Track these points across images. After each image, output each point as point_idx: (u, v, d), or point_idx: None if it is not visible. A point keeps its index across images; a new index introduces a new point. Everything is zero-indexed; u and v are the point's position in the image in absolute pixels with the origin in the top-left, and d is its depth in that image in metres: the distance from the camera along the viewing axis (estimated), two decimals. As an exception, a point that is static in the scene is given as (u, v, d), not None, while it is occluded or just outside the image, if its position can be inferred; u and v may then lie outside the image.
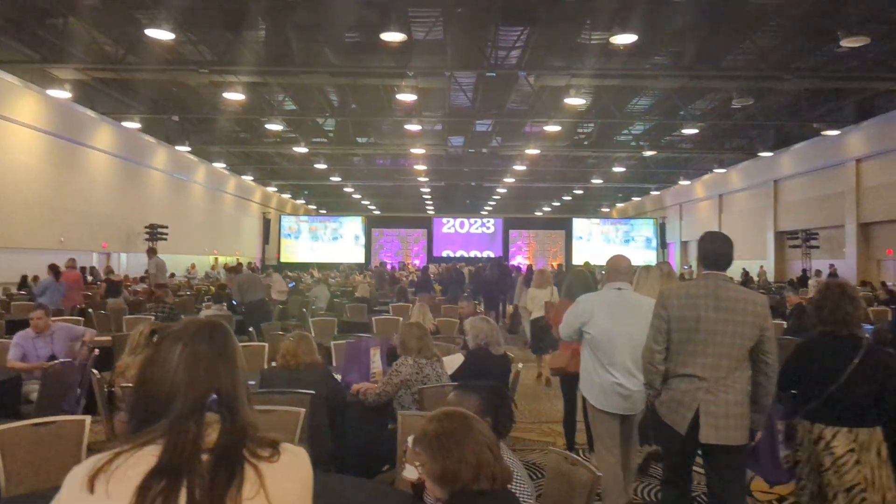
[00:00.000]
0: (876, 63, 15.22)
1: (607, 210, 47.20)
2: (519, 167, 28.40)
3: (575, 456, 2.78)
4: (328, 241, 39.74)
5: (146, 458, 1.29)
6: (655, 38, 14.01)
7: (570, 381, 5.37)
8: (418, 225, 42.22)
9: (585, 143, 25.39)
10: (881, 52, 14.79)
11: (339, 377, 4.94)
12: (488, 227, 42.18)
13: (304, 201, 46.07)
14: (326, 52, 15.38)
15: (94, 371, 5.21)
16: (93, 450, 1.38)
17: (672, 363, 3.37)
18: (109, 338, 7.38)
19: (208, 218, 30.77)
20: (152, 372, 1.40)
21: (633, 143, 25.65)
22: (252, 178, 34.00)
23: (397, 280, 19.67)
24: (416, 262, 37.76)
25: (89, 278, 17.97)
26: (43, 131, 17.89)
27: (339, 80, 17.19)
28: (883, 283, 17.99)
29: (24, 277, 15.91)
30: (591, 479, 2.54)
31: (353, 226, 40.38)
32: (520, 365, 5.44)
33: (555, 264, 29.81)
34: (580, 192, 38.42)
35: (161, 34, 11.93)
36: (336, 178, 33.02)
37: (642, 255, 35.86)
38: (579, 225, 40.06)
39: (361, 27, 14.23)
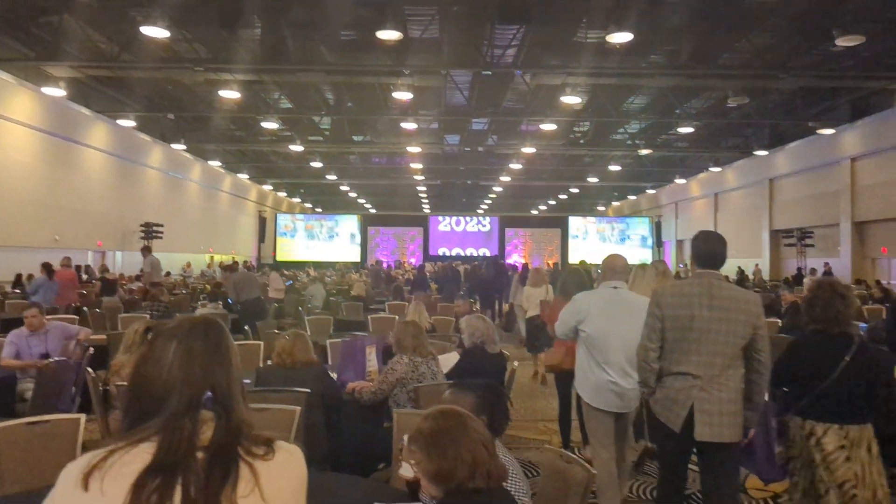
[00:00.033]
0: (871, 62, 15.25)
1: (603, 208, 47.25)
2: (515, 166, 28.40)
3: (570, 454, 2.79)
4: (324, 240, 39.71)
5: (141, 455, 1.29)
6: (651, 36, 14.01)
7: (564, 379, 5.39)
8: (414, 223, 42.21)
9: (581, 141, 25.40)
10: (876, 51, 14.82)
11: (334, 375, 4.94)
12: (484, 226, 42.20)
13: (299, 200, 46.01)
14: (322, 50, 15.36)
15: (89, 370, 5.21)
16: (88, 448, 1.37)
17: (666, 361, 3.39)
18: (104, 336, 7.38)
19: (204, 216, 30.71)
20: (147, 369, 1.39)
21: (629, 142, 25.67)
22: (248, 176, 33.93)
23: (393, 279, 19.67)
24: (413, 260, 37.75)
25: (84, 277, 17.91)
26: (38, 129, 17.83)
27: (335, 79, 17.17)
28: (877, 282, 18.04)
29: (19, 276, 15.86)
30: (586, 477, 2.55)
31: (349, 224, 40.36)
32: (515, 363, 5.44)
33: (550, 263, 29.88)
34: (576, 190, 38.45)
35: (156, 32, 11.89)
36: (332, 177, 32.98)
37: (638, 253, 35.93)
38: (575, 223, 40.11)
39: (357, 25, 14.20)
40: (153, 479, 1.26)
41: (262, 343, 6.51)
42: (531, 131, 23.73)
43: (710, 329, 3.29)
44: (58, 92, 15.61)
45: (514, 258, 37.37)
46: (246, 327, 8.68)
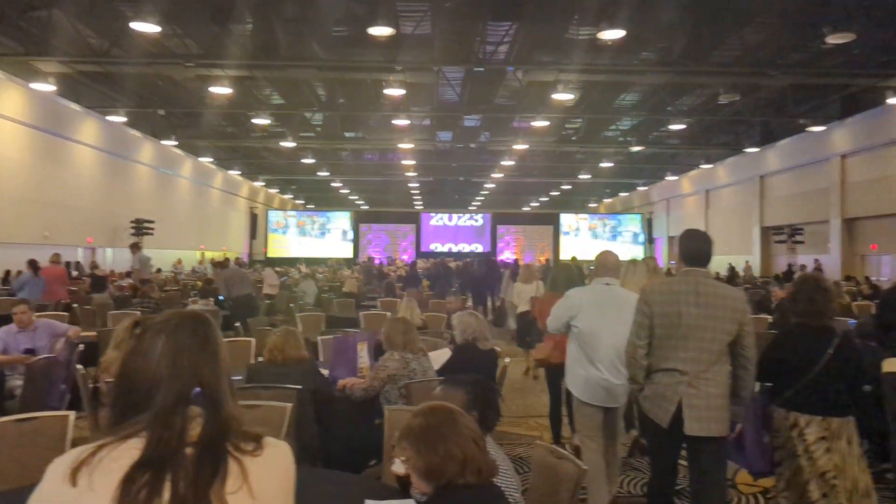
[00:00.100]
0: (861, 59, 15.34)
1: (595, 205, 47.34)
2: (507, 162, 28.42)
3: (561, 450, 2.79)
4: (316, 237, 39.65)
5: (129, 451, 1.28)
6: (643, 33, 14.03)
7: (555, 375, 5.43)
8: (406, 220, 42.18)
9: (573, 138, 25.43)
10: (866, 49, 14.89)
11: (326, 372, 4.93)
12: (476, 220, 42.26)
13: (291, 196, 45.90)
14: (314, 46, 15.31)
15: (79, 367, 5.18)
16: (77, 446, 1.37)
17: (654, 358, 3.44)
18: (94, 333, 7.33)
19: (195, 213, 30.59)
20: (134, 363, 1.39)
21: (621, 139, 25.74)
22: (239, 172, 33.83)
23: (385, 275, 19.65)
24: (405, 257, 37.74)
25: (74, 273, 17.82)
26: (27, 125, 17.70)
27: (327, 75, 17.11)
28: (867, 278, 18.17)
29: (7, 272, 15.76)
30: (577, 473, 2.56)
31: (341, 221, 40.30)
32: (507, 359, 5.45)
33: (542, 259, 29.92)
34: (568, 187, 38.51)
35: (146, 27, 11.80)
36: (324, 173, 32.90)
37: (630, 250, 36.02)
38: (567, 220, 40.19)
39: (349, 21, 14.17)
40: (142, 474, 1.26)
41: (253, 340, 6.48)
42: (523, 128, 23.74)
43: (697, 326, 3.33)
44: (47, 87, 15.49)
45: (507, 255, 37.41)
46: (237, 324, 8.65)
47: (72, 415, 3.37)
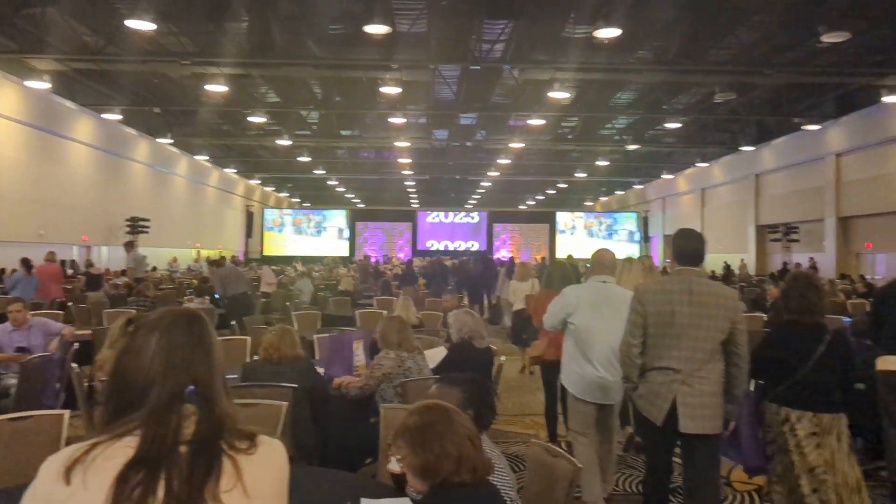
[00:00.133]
0: (856, 58, 15.37)
1: (591, 204, 47.38)
2: (503, 161, 28.42)
3: (556, 448, 2.80)
4: (312, 235, 39.61)
5: (124, 449, 1.28)
6: (639, 32, 14.04)
7: (549, 371, 5.45)
8: (403, 218, 42.19)
9: (569, 136, 25.44)
10: (861, 48, 14.93)
11: (321, 370, 4.93)
12: (473, 217, 42.29)
13: (287, 194, 45.83)
14: (310, 44, 15.27)
15: (74, 365, 5.16)
16: (72, 444, 1.36)
17: (648, 357, 3.47)
18: (89, 332, 7.32)
19: (191, 211, 30.53)
20: (128, 361, 1.38)
21: (617, 137, 25.75)
22: (235, 170, 33.75)
23: (381, 273, 19.65)
24: (401, 255, 37.74)
25: (69, 271, 17.77)
26: (22, 123, 17.63)
27: (323, 73, 17.08)
28: (861, 276, 18.22)
29: (2, 271, 15.71)
30: (572, 471, 2.56)
31: (337, 219, 40.27)
32: (503, 358, 5.46)
33: (538, 257, 29.95)
34: (564, 185, 38.53)
35: (141, 25, 11.76)
36: (320, 171, 32.86)
37: (626, 248, 36.09)
38: (563, 218, 40.23)
39: (345, 19, 14.15)
40: (136, 473, 1.25)
41: (248, 338, 6.48)
42: (519, 126, 23.73)
43: (690, 324, 3.36)
44: (42, 85, 15.43)
45: (503, 253, 37.45)
46: (233, 322, 8.64)
47: (66, 413, 3.37)
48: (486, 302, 16.80)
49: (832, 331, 3.67)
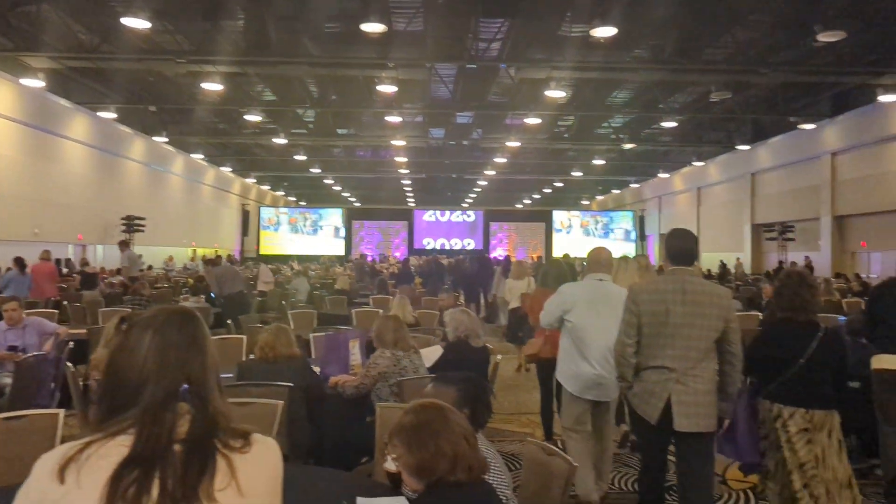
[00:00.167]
0: (851, 57, 15.41)
1: (587, 202, 47.43)
2: (499, 159, 28.42)
3: (552, 447, 2.80)
4: (308, 234, 39.57)
5: (118, 448, 1.28)
6: (635, 31, 14.05)
7: (545, 369, 5.46)
8: (399, 217, 42.17)
9: (565, 135, 25.45)
10: (856, 47, 14.96)
11: (318, 369, 4.92)
12: (469, 216, 42.33)
13: (283, 193, 45.77)
14: (306, 42, 15.25)
15: (69, 364, 5.15)
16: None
17: (643, 356, 3.50)
18: (84, 331, 7.30)
19: (186, 209, 30.46)
20: (122, 359, 1.38)
21: (613, 136, 25.77)
22: (231, 169, 33.69)
23: (378, 272, 19.64)
24: (397, 254, 37.74)
25: (64, 270, 17.73)
26: (16, 121, 17.57)
27: (319, 71, 17.06)
28: (857, 275, 18.28)
29: (-3, 270, 15.66)
30: (568, 470, 2.56)
31: (333, 218, 40.24)
32: (499, 356, 5.46)
33: (535, 256, 29.97)
34: (560, 184, 38.55)
35: (137, 23, 11.74)
36: (316, 170, 32.83)
37: (622, 247, 36.11)
38: (559, 217, 40.26)
39: (341, 17, 14.13)
40: (130, 471, 1.25)
41: (244, 337, 6.47)
42: (516, 125, 23.74)
43: (684, 324, 3.39)
44: (37, 83, 15.38)
45: (499, 252, 37.47)
46: (229, 321, 8.63)
47: (61, 413, 3.36)
48: (482, 300, 16.81)
49: (825, 328, 3.70)
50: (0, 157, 17.09)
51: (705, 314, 3.40)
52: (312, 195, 45.71)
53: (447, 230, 41.68)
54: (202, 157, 29.41)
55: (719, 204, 30.65)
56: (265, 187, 42.35)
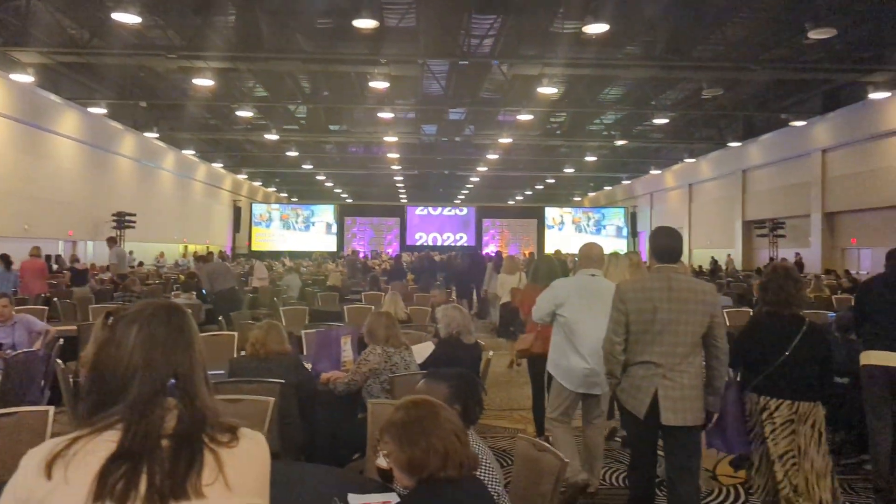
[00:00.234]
0: (842, 54, 15.48)
1: (579, 199, 47.51)
2: (492, 156, 28.43)
3: (543, 443, 2.81)
4: (300, 230, 39.49)
5: (105, 443, 1.27)
6: (627, 28, 14.08)
7: (536, 364, 5.48)
8: (391, 214, 42.14)
9: (558, 132, 25.49)
10: (847, 44, 15.04)
11: (309, 366, 4.91)
12: (462, 210, 42.37)
13: (275, 189, 45.65)
14: (298, 38, 15.21)
15: (59, 361, 5.13)
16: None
17: (631, 352, 3.55)
18: (74, 327, 7.26)
19: (178, 205, 30.35)
20: (108, 353, 1.37)
21: (605, 133, 25.82)
22: (222, 165, 33.57)
23: (370, 268, 19.62)
24: (389, 250, 37.72)
25: (55, 267, 17.63)
26: (6, 116, 17.44)
27: (311, 67, 17.03)
28: (847, 272, 18.37)
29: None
30: (559, 466, 2.57)
31: (325, 214, 40.15)
32: (490, 353, 5.47)
33: (527, 253, 30.01)
34: (552, 181, 38.61)
35: (128, 18, 11.66)
36: (308, 166, 32.76)
37: (614, 243, 36.19)
38: (551, 214, 40.32)
39: (333, 13, 14.09)
40: (118, 467, 1.25)
41: (235, 334, 6.45)
42: (508, 121, 23.75)
43: (671, 320, 3.45)
44: (26, 78, 15.29)
45: (491, 248, 37.51)
46: (220, 318, 8.60)
47: (51, 410, 3.34)
48: (474, 297, 16.82)
49: (809, 322, 3.77)
50: (-11, 152, 16.98)
51: (691, 310, 3.46)
52: (304, 191, 45.61)
53: (439, 224, 41.69)
54: (193, 153, 29.29)
55: (711, 200, 30.76)
56: (257, 183, 42.23)
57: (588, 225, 39.75)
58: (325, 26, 15.15)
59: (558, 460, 2.59)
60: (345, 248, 38.00)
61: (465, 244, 39.98)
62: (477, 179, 37.33)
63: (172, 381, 1.38)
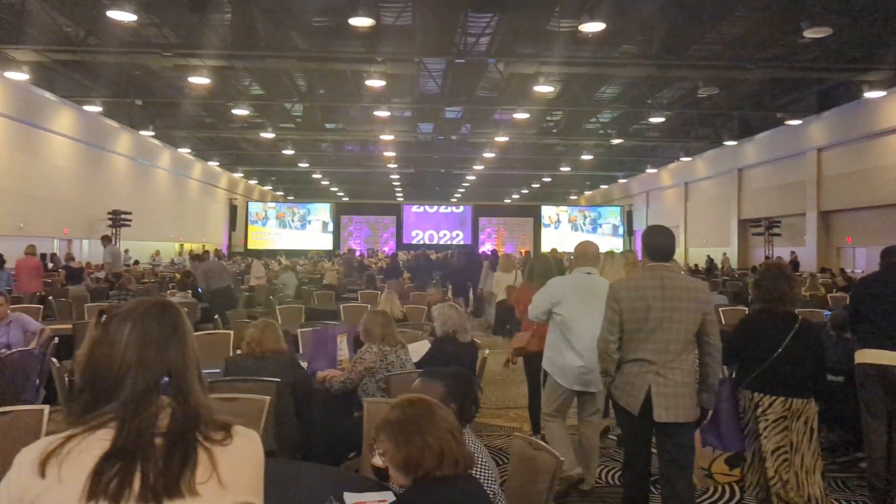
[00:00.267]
0: (837, 54, 15.52)
1: (575, 198, 47.54)
2: (488, 154, 28.43)
3: (539, 441, 2.81)
4: (296, 228, 39.45)
5: (99, 442, 1.27)
6: (624, 26, 14.10)
7: (532, 362, 5.49)
8: (388, 212, 42.13)
9: (554, 130, 25.50)
10: (842, 43, 15.07)
11: (305, 365, 4.91)
12: (458, 208, 42.40)
13: (271, 188, 45.58)
14: (294, 36, 15.18)
15: (54, 360, 5.12)
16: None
17: (625, 350, 3.59)
18: (70, 326, 7.25)
19: (173, 204, 30.28)
20: (101, 351, 1.37)
21: (601, 131, 25.84)
22: (218, 163, 33.50)
23: (366, 267, 19.61)
24: (386, 249, 37.72)
25: (50, 265, 17.58)
26: (0, 115, 17.38)
27: (307, 65, 16.99)
28: (842, 270, 18.42)
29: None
30: (554, 464, 2.57)
31: (321, 212, 40.12)
32: (486, 351, 5.47)
33: (523, 251, 30.03)
34: (549, 179, 38.63)
35: (123, 16, 11.63)
36: (304, 165, 32.72)
37: (610, 242, 36.29)
38: (547, 212, 40.35)
39: (329, 11, 14.08)
40: (112, 465, 1.24)
41: (231, 332, 6.44)
42: (504, 120, 23.76)
43: (664, 318, 3.48)
44: (21, 76, 15.23)
45: (487, 246, 37.54)
46: (216, 316, 8.59)
47: (47, 409, 3.34)
48: (471, 295, 16.82)
49: (802, 320, 3.80)
50: (-16, 150, 16.92)
51: (684, 308, 3.49)
52: (300, 190, 45.55)
53: (436, 222, 41.71)
54: (189, 151, 29.23)
55: (706, 199, 30.82)
56: (253, 182, 42.17)
57: (584, 223, 39.81)
58: (321, 24, 15.13)
59: (554, 459, 2.59)
60: (341, 246, 37.99)
61: (462, 242, 40.03)
62: (473, 178, 37.34)
63: (166, 379, 1.37)
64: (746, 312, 8.66)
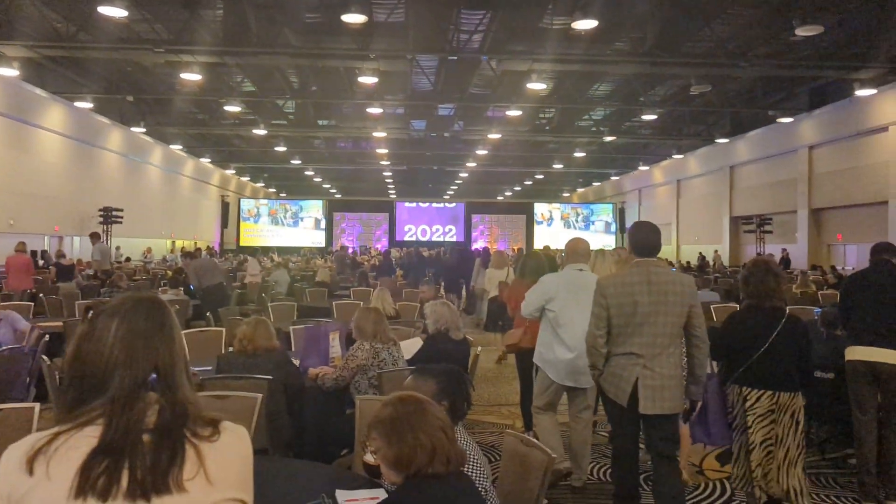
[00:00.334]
0: (829, 52, 15.57)
1: (568, 195, 47.61)
2: (481, 151, 28.44)
3: (530, 439, 2.82)
4: (289, 225, 39.37)
5: (86, 438, 1.26)
6: (616, 23, 14.10)
7: (524, 359, 5.49)
8: (380, 209, 42.09)
9: (547, 128, 25.52)
10: (834, 42, 15.13)
11: (297, 362, 4.90)
12: (451, 203, 42.42)
13: (263, 184, 45.45)
14: (286, 32, 15.12)
15: (45, 357, 5.09)
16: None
17: (613, 344, 3.65)
18: (60, 323, 7.21)
19: (165, 201, 30.16)
20: (88, 347, 1.36)
21: (594, 129, 25.87)
22: (210, 160, 33.38)
23: (359, 264, 19.60)
24: (378, 246, 37.70)
25: (40, 262, 17.49)
26: (-10, 110, 17.30)
27: (299, 62, 16.94)
28: (833, 267, 18.53)
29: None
30: (546, 461, 2.58)
31: (314, 209, 40.04)
32: (479, 348, 5.48)
33: (515, 248, 30.08)
34: (541, 176, 38.67)
35: (114, 11, 11.56)
36: (296, 162, 32.63)
37: (602, 239, 36.34)
38: (540, 209, 40.40)
39: (322, 7, 14.03)
40: (100, 461, 1.24)
41: (223, 330, 6.43)
42: (497, 117, 23.75)
43: (651, 312, 3.54)
44: (11, 72, 15.11)
45: (480, 243, 37.54)
46: (208, 314, 8.57)
47: (37, 406, 3.32)
48: (463, 292, 16.82)
49: (788, 315, 3.84)
50: (-27, 147, 16.80)
51: (671, 302, 3.55)
52: (293, 187, 45.44)
53: (429, 217, 41.70)
54: (181, 147, 29.11)
55: (698, 196, 30.92)
56: (245, 179, 42.04)
57: (577, 221, 39.88)
58: (313, 21, 15.07)
59: (546, 456, 2.60)
60: (334, 243, 37.92)
61: (454, 237, 40.04)
62: (466, 175, 37.34)
63: (153, 375, 1.37)
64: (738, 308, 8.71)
